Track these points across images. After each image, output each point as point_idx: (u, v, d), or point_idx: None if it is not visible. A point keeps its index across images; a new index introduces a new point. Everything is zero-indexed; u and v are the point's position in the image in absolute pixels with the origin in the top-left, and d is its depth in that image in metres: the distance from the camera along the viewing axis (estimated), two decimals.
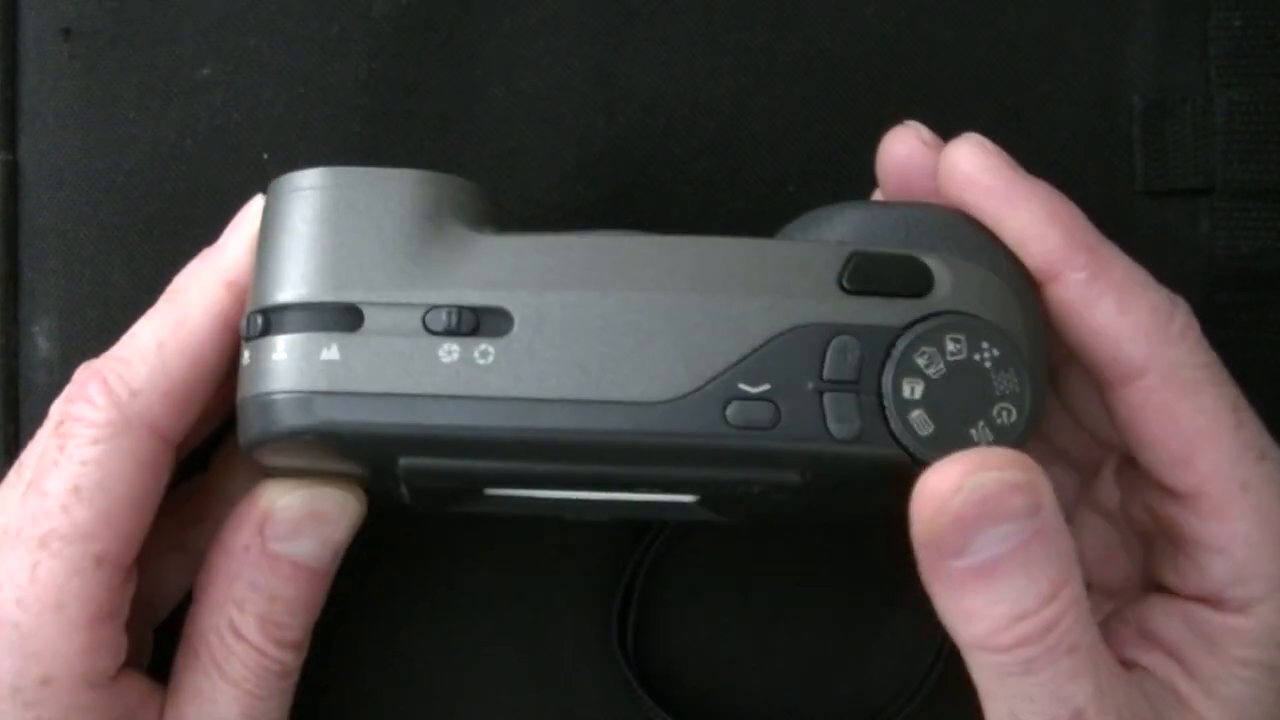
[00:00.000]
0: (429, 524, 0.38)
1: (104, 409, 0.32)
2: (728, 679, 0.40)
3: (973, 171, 0.33)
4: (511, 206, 0.39)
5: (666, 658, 0.40)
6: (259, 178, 0.38)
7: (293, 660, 0.34)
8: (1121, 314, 0.32)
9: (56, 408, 0.33)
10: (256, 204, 0.34)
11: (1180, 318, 0.33)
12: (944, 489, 0.29)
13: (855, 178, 0.38)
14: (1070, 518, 0.38)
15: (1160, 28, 0.39)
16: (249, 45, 0.39)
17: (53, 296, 0.38)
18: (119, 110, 0.38)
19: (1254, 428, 0.33)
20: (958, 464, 0.29)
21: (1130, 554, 0.36)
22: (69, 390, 0.33)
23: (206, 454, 0.37)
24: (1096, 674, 0.30)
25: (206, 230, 0.37)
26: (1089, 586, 0.38)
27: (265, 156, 0.39)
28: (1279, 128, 0.39)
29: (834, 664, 0.40)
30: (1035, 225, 0.32)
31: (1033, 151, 0.39)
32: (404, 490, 0.33)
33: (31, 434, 0.34)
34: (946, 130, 0.39)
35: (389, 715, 0.39)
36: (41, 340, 0.38)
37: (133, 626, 0.34)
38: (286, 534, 0.33)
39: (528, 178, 0.39)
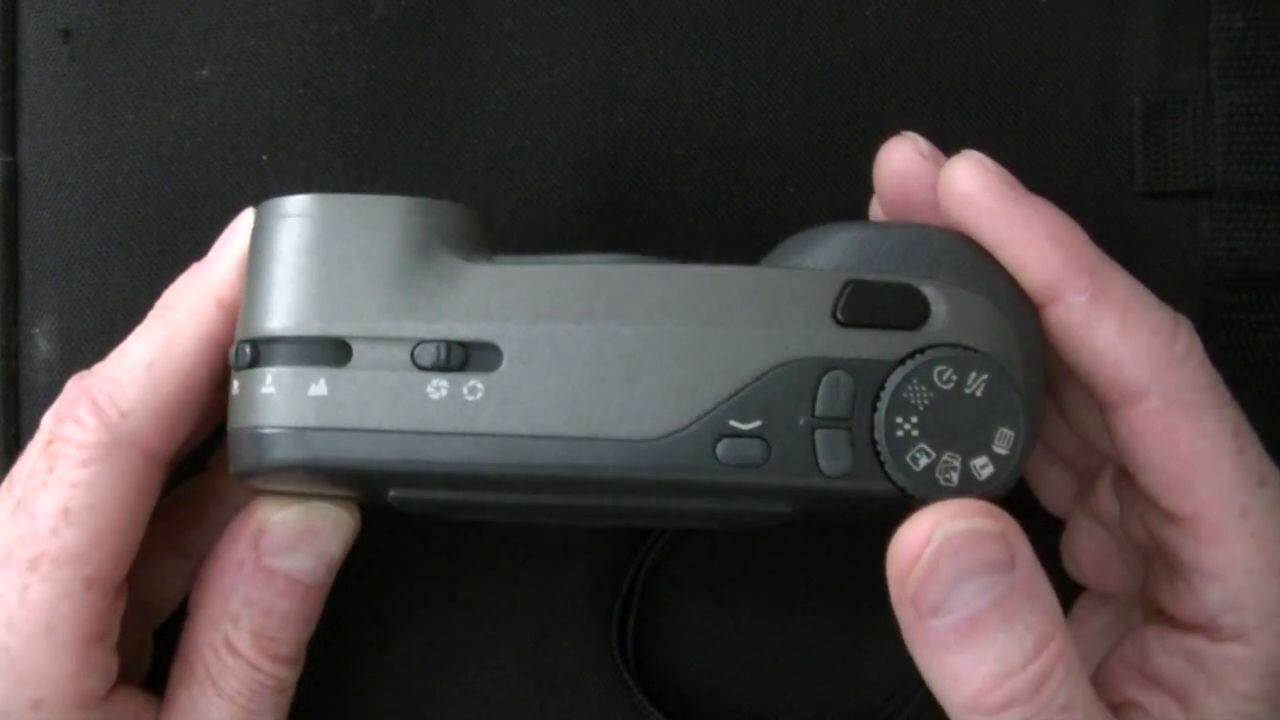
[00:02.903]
0: (428, 527, 0.38)
1: (94, 430, 0.32)
2: (727, 681, 0.40)
3: (973, 191, 0.32)
4: (508, 215, 0.38)
5: (666, 660, 0.40)
6: (258, 179, 0.39)
7: (287, 675, 0.34)
8: (1123, 336, 0.32)
9: (46, 423, 0.33)
10: (247, 218, 0.33)
11: (1184, 338, 0.32)
12: (916, 542, 0.29)
13: (855, 179, 0.38)
14: (1066, 518, 0.38)
15: (1161, 29, 0.39)
16: (248, 46, 0.39)
17: (53, 298, 0.38)
18: (118, 112, 0.38)
19: (1255, 452, 0.32)
20: (926, 517, 0.29)
21: (1126, 562, 0.36)
22: (59, 408, 0.33)
23: (204, 455, 0.37)
24: None
25: (206, 232, 0.37)
26: (1087, 590, 0.38)
27: (265, 158, 0.39)
28: None
29: (833, 666, 0.40)
30: (1035, 247, 0.32)
31: (1033, 152, 0.39)
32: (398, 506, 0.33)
33: (32, 435, 0.34)
34: (947, 132, 0.39)
35: (388, 717, 0.39)
36: (42, 342, 0.38)
37: (131, 632, 0.34)
38: (281, 549, 0.33)
39: (527, 178, 0.39)
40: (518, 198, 0.39)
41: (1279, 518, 0.32)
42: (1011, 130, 0.39)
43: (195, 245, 0.38)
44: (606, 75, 0.39)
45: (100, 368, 0.33)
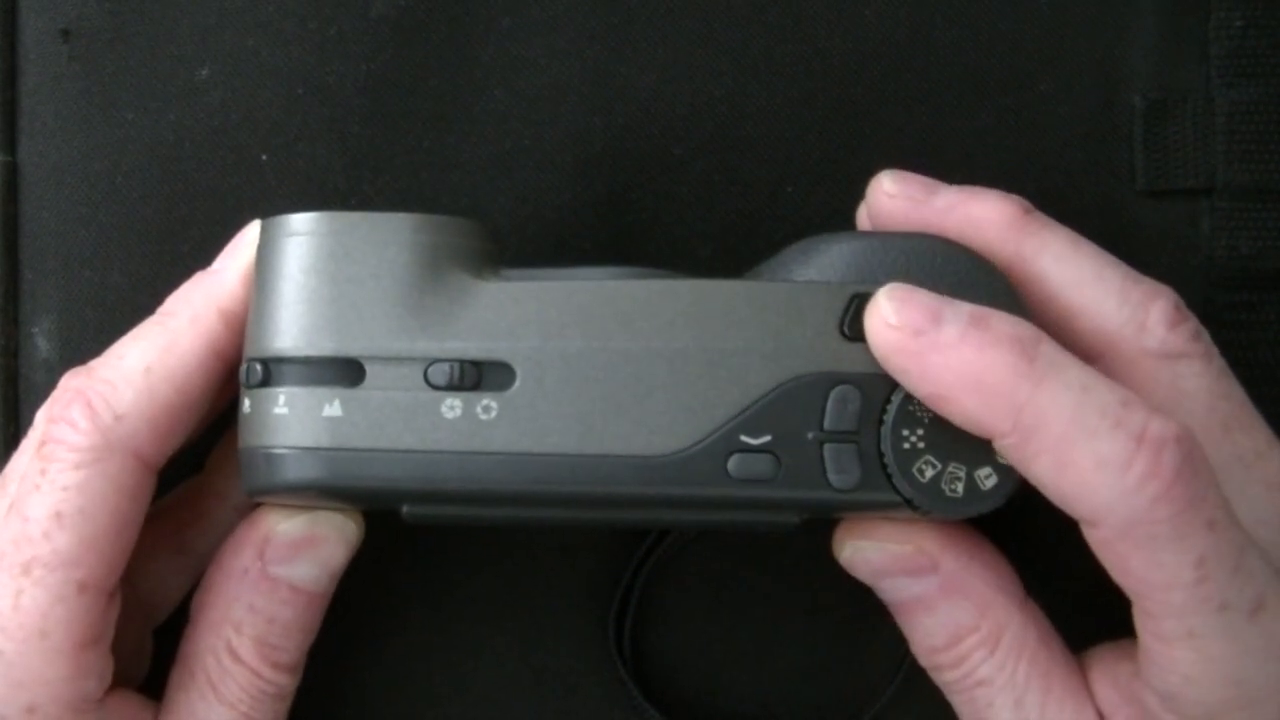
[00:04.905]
0: (427, 526, 0.38)
1: (87, 433, 0.32)
2: (725, 680, 0.40)
3: (881, 344, 0.31)
4: (506, 215, 0.38)
5: (664, 659, 0.40)
6: (257, 178, 0.39)
7: (288, 682, 0.34)
8: (1060, 474, 0.30)
9: (40, 420, 0.33)
10: (253, 230, 0.34)
11: (1140, 466, 0.29)
12: (838, 547, 0.35)
13: (854, 178, 0.38)
14: None
15: (1161, 27, 0.39)
16: (247, 46, 0.39)
17: (52, 297, 0.38)
18: (118, 111, 0.39)
19: (1221, 578, 0.30)
20: (842, 534, 0.34)
21: None
22: (53, 408, 0.33)
23: (202, 454, 0.37)
24: (1019, 707, 0.33)
25: (205, 231, 0.38)
26: None
27: (264, 157, 0.39)
28: None
29: (832, 666, 0.39)
30: (949, 401, 0.31)
31: (1033, 151, 0.39)
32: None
33: None
34: (946, 131, 0.39)
35: (387, 716, 0.39)
36: (41, 341, 0.38)
37: (130, 632, 0.35)
38: (286, 557, 0.34)
39: (526, 178, 0.39)
40: (516, 196, 0.39)
41: (1237, 639, 0.31)
42: (1011, 129, 0.39)
43: (195, 245, 0.38)
44: (605, 74, 0.39)
45: (96, 369, 0.33)
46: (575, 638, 0.39)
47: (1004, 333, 0.30)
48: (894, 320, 0.31)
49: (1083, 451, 0.30)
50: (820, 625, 0.40)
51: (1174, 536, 0.30)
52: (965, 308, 0.31)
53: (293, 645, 0.34)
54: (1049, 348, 0.31)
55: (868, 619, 0.38)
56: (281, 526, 0.34)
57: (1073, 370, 0.30)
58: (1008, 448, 0.31)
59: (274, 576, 0.34)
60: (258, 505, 0.34)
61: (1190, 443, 0.30)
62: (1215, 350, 0.34)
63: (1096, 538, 0.31)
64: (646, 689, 0.39)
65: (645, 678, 0.40)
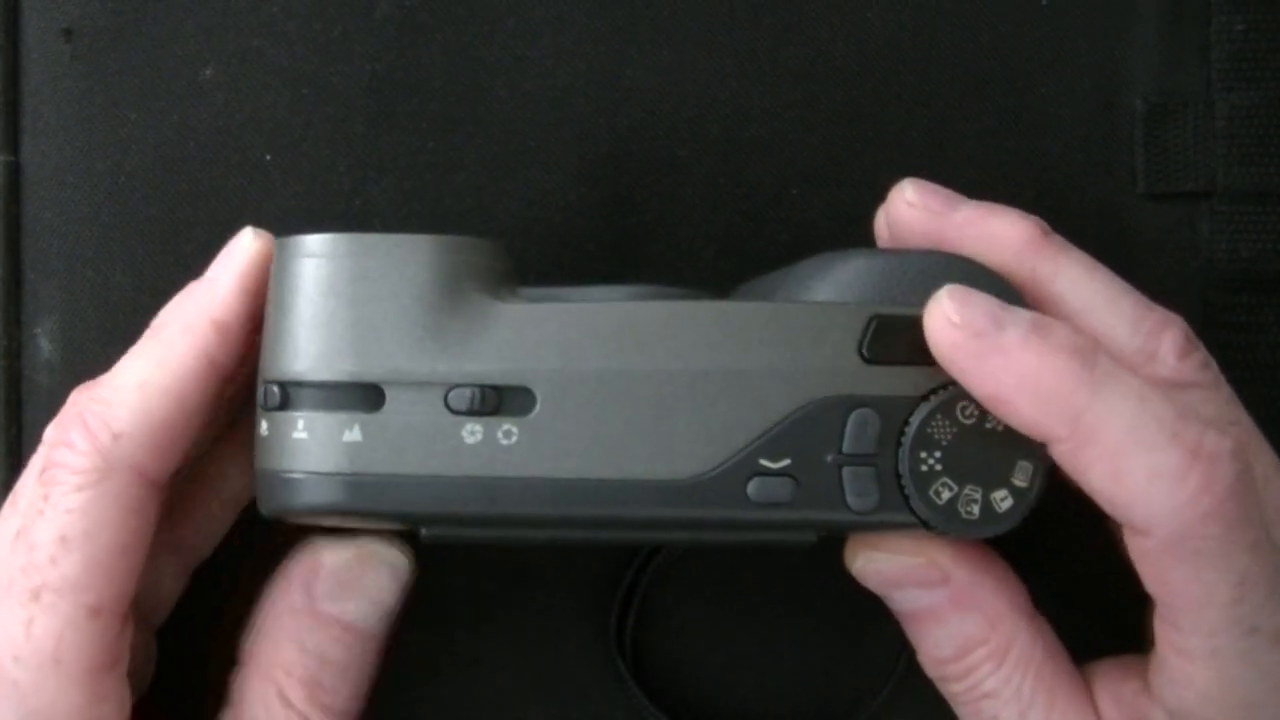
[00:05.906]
0: None
1: (86, 454, 0.31)
2: (726, 680, 0.40)
3: (941, 344, 0.31)
4: (511, 216, 0.39)
5: (666, 659, 0.40)
6: (261, 179, 0.38)
7: None
8: (1115, 482, 0.30)
9: (48, 439, 0.32)
10: (246, 237, 0.33)
11: (1195, 480, 0.29)
12: (850, 558, 0.35)
13: (857, 180, 0.38)
14: None
15: (1162, 31, 0.39)
16: (251, 46, 0.38)
17: (55, 298, 0.38)
18: (121, 111, 0.38)
19: (1256, 599, 0.30)
20: (856, 547, 0.34)
21: None
22: (55, 430, 0.32)
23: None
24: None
25: (208, 231, 0.38)
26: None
27: (268, 158, 0.39)
28: None
29: (832, 667, 0.40)
30: (1007, 403, 0.31)
31: (1034, 154, 0.39)
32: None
33: (35, 436, 0.33)
34: (948, 133, 0.39)
35: (387, 717, 0.39)
36: (44, 342, 0.38)
37: (135, 639, 0.34)
38: (335, 592, 0.33)
39: (530, 179, 0.39)
40: (520, 198, 0.39)
41: (1258, 663, 0.31)
42: (1012, 131, 0.39)
43: (198, 245, 0.38)
44: (610, 76, 0.39)
45: (95, 388, 0.32)
46: (577, 639, 0.39)
47: (1064, 340, 0.31)
48: (956, 319, 0.31)
49: (1138, 461, 0.30)
50: (820, 626, 0.40)
51: (1219, 554, 0.30)
52: (1025, 314, 0.31)
53: (344, 688, 0.33)
54: (1107, 359, 0.31)
55: (867, 620, 0.38)
56: (329, 560, 0.33)
57: (1130, 381, 0.30)
58: (1062, 453, 0.31)
59: (324, 614, 0.33)
60: (256, 507, 0.34)
61: (1244, 460, 0.30)
62: (1223, 379, 0.34)
63: (1140, 547, 0.31)
64: (648, 690, 0.39)
65: (646, 677, 0.40)
